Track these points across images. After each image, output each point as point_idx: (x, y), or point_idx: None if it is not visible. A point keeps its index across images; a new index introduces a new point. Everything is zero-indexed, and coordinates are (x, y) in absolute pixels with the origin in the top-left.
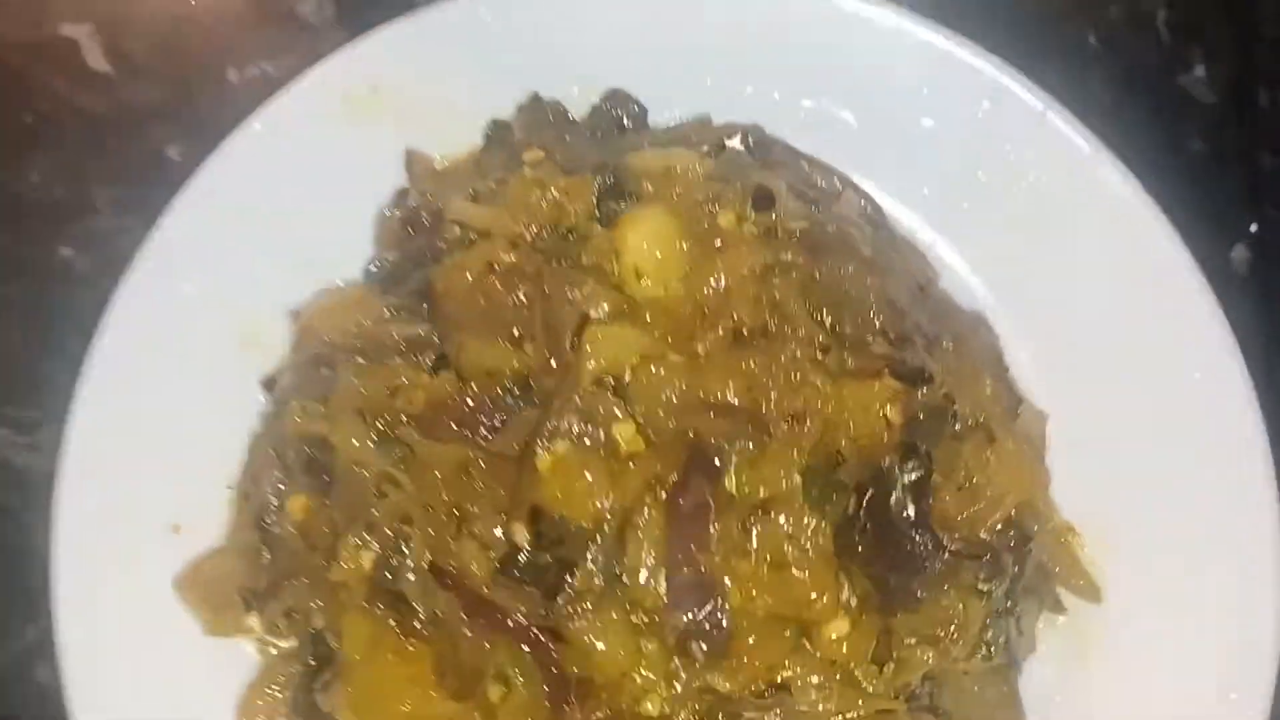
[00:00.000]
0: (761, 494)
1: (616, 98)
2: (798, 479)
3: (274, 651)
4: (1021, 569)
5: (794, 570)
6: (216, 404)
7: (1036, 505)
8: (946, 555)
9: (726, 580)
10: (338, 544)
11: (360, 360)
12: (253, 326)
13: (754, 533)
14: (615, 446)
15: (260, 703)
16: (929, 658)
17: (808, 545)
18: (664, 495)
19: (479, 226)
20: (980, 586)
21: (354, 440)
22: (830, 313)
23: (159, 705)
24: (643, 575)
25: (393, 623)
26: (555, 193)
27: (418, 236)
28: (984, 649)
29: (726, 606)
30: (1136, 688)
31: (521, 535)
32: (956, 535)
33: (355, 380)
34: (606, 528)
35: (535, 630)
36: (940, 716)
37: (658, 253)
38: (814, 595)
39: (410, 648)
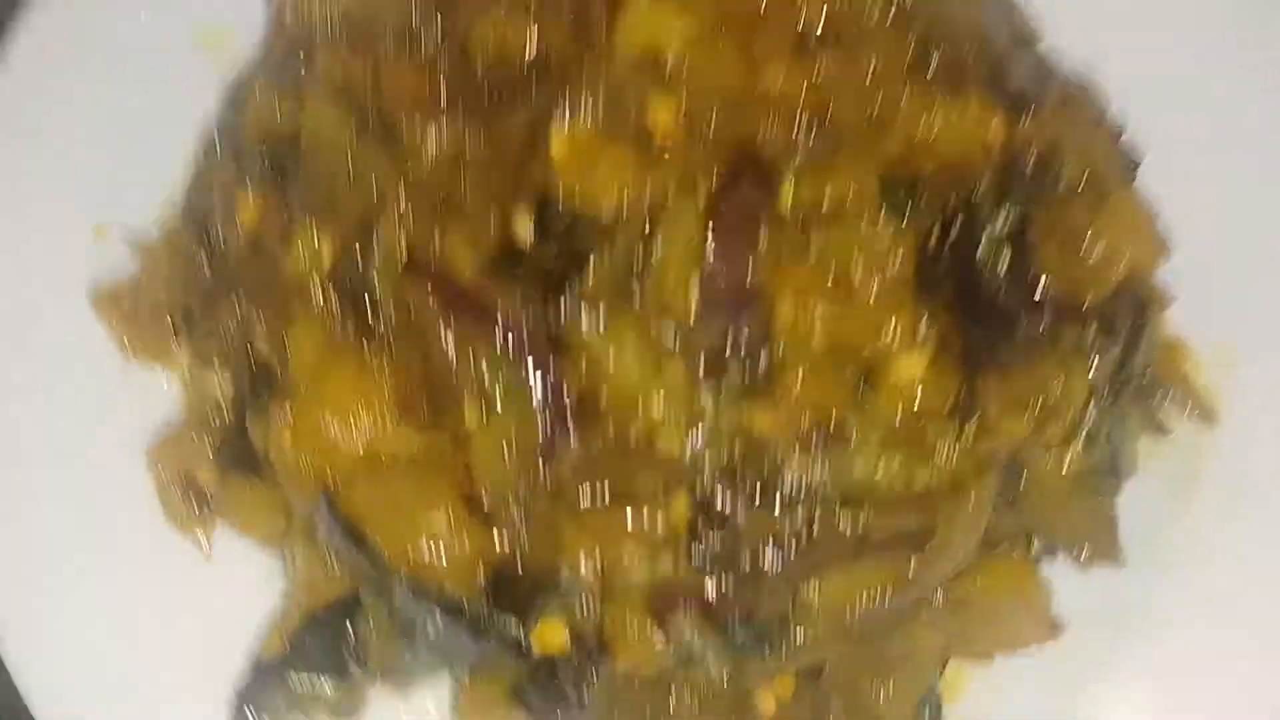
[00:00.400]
0: (828, 200)
1: None
2: (874, 183)
3: (201, 393)
4: (1136, 342)
5: (862, 288)
6: (163, 99)
7: (1152, 279)
8: (1046, 318)
9: (776, 292)
10: (294, 237)
11: (345, 44)
12: (214, 25)
13: (815, 239)
14: (648, 133)
15: (174, 448)
16: (1023, 426)
17: (884, 258)
18: (704, 192)
19: None
20: (1087, 346)
21: (327, 117)
22: (916, 35)
23: (57, 442)
24: (672, 275)
25: (352, 332)
26: None
27: None
28: (1083, 436)
29: (774, 323)
30: (1253, 522)
31: (524, 225)
32: (1059, 295)
33: (336, 59)
34: (629, 222)
35: (529, 334)
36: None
37: None
38: (885, 321)
39: (371, 362)
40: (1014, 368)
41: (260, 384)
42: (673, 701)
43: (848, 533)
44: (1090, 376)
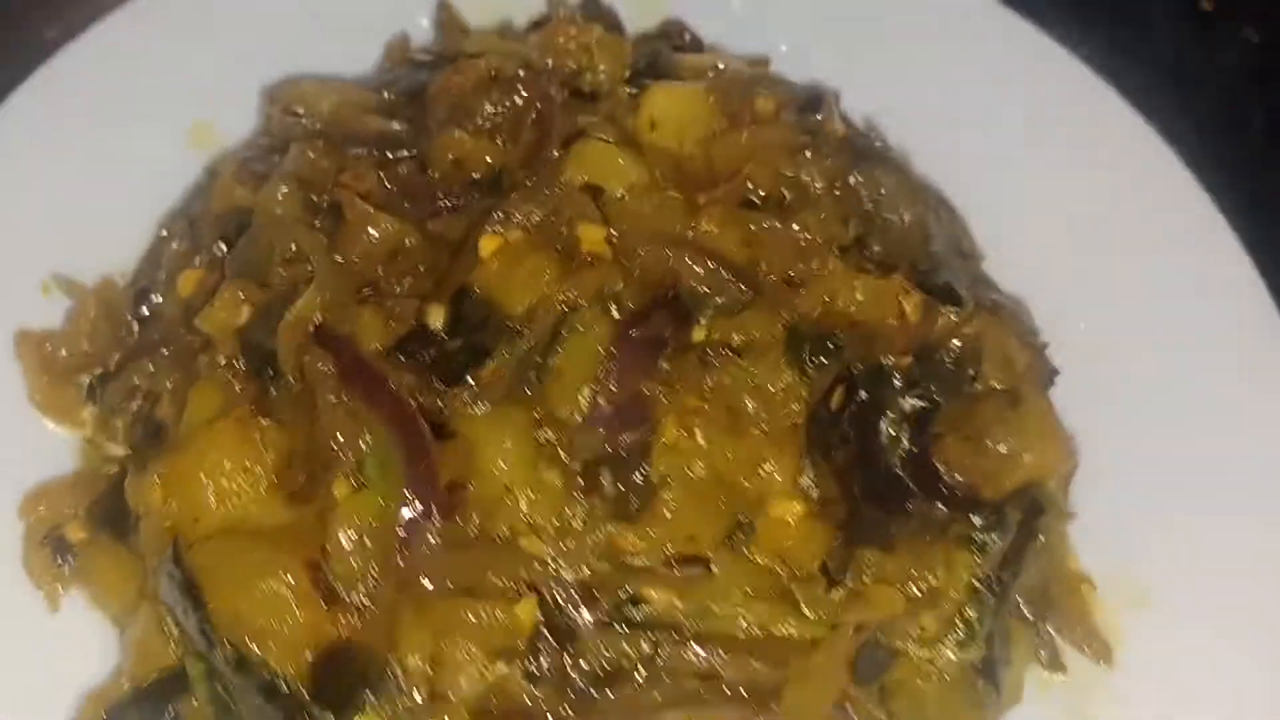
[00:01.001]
0: (735, 340)
1: (672, 27)
2: (781, 331)
3: (95, 454)
4: (1025, 545)
5: (751, 426)
6: (137, 179)
7: (1053, 488)
8: (938, 504)
9: (665, 413)
10: (216, 297)
11: (320, 141)
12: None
13: (713, 370)
14: (575, 246)
15: (50, 500)
16: (895, 603)
17: (776, 401)
18: (617, 315)
19: (498, 51)
20: (975, 535)
21: (280, 194)
22: (856, 224)
23: None
24: (567, 382)
25: (249, 396)
26: (591, 40)
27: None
28: (961, 632)
29: (657, 442)
30: None
31: (436, 317)
32: (956, 485)
33: (307, 152)
34: (537, 326)
35: (415, 414)
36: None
37: (680, 110)
38: (767, 461)
39: (258, 429)
40: (898, 546)
41: (151, 442)
42: None
43: (695, 671)
44: (972, 571)
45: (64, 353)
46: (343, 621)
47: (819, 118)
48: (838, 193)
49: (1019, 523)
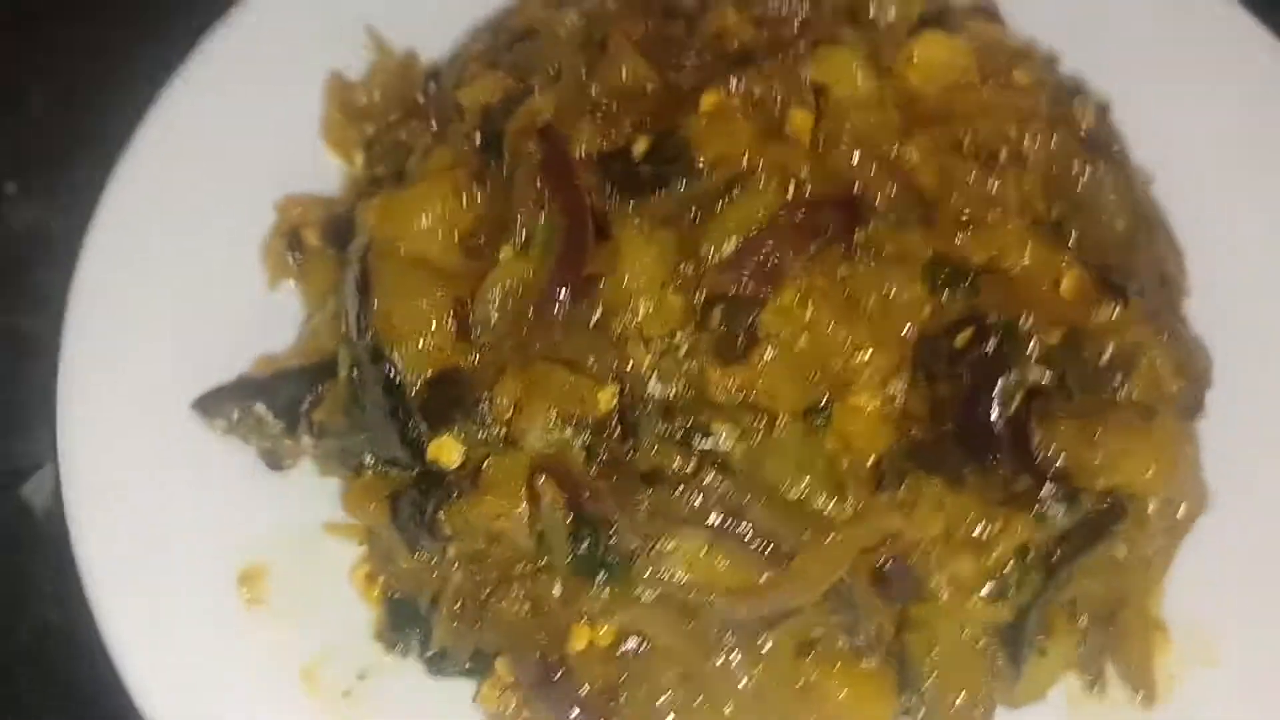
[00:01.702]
0: (886, 248)
1: None
2: (928, 252)
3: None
4: (1093, 536)
5: (864, 319)
6: None
7: (1149, 510)
8: (1024, 474)
9: (791, 282)
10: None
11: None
12: None
13: (850, 263)
14: (783, 124)
15: (300, 207)
16: (926, 528)
17: (897, 307)
18: (791, 195)
19: None
20: (1040, 502)
21: (568, 20)
22: (1061, 206)
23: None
24: (722, 225)
25: (473, 160)
26: None
27: None
28: (995, 588)
29: (772, 302)
30: None
31: (640, 145)
32: (1050, 461)
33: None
34: (719, 177)
35: (589, 210)
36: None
37: (942, 57)
38: (863, 352)
39: (470, 192)
40: (966, 490)
41: (389, 180)
42: (506, 592)
43: (727, 507)
44: (1025, 534)
45: (358, 97)
46: (464, 352)
47: (1073, 105)
48: (1051, 183)
49: (1091, 513)
